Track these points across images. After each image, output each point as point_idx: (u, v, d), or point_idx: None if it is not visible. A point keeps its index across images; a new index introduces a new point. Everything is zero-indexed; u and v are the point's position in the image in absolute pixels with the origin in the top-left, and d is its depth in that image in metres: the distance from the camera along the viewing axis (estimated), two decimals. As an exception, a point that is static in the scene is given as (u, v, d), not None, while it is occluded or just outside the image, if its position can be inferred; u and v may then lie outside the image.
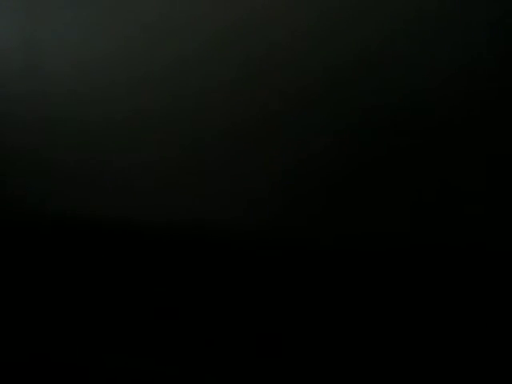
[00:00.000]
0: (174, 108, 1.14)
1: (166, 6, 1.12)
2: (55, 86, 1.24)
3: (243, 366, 1.15)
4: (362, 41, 1.00)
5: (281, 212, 1.09)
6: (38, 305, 1.32)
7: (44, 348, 1.29)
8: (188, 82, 1.12)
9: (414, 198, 1.00)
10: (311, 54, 1.03)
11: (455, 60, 0.95)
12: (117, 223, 1.23)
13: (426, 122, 0.98)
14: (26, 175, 1.29)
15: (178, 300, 1.20)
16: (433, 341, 1.02)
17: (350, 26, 1.00)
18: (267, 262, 1.11)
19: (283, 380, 1.12)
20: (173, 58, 1.13)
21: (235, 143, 1.11)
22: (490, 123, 0.94)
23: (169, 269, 1.20)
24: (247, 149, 1.10)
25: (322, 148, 1.04)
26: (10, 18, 1.26)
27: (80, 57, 1.21)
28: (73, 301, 1.28)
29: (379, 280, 1.03)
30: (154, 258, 1.21)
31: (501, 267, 0.96)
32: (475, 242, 0.97)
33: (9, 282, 1.34)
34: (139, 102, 1.17)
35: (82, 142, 1.23)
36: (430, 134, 0.98)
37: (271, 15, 1.05)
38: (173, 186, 1.17)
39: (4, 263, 1.34)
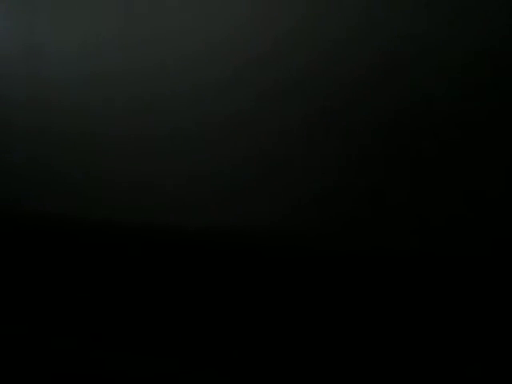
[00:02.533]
0: (175, 112, 1.14)
1: (169, 8, 1.12)
2: (55, 91, 1.23)
3: (243, 367, 1.15)
4: (371, 47, 1.00)
5: (282, 216, 1.09)
6: (36, 304, 1.31)
7: (43, 347, 1.29)
8: (189, 87, 1.12)
9: (420, 202, 1.01)
10: (320, 59, 1.03)
11: (461, 65, 0.96)
12: (116, 225, 1.23)
13: (432, 126, 0.99)
14: (26, 179, 1.29)
15: (178, 301, 1.20)
16: (431, 343, 1.03)
17: (358, 33, 1.00)
18: (267, 264, 1.12)
19: (284, 380, 1.12)
20: (175, 65, 1.12)
21: (236, 145, 1.11)
22: (497, 128, 0.95)
23: (168, 270, 1.20)
24: (250, 151, 1.10)
25: (329, 153, 1.05)
26: (10, 21, 1.25)
27: (81, 61, 1.21)
28: (72, 301, 1.28)
29: (381, 284, 1.04)
30: (153, 259, 1.21)
31: (498, 273, 0.98)
32: (473, 247, 0.98)
33: (7, 282, 1.33)
34: (140, 107, 1.17)
35: (82, 146, 1.23)
36: (436, 137, 0.99)
37: (276, 21, 1.04)
38: (172, 188, 1.17)
39: (3, 263, 1.33)
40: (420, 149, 0.99)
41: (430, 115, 0.98)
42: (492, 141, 0.96)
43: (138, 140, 1.18)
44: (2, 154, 1.30)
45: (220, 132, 1.11)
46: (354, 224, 1.04)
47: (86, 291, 1.27)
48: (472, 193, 0.97)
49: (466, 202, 0.98)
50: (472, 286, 0.99)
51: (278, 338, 1.13)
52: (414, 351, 1.04)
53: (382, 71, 0.99)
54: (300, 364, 1.11)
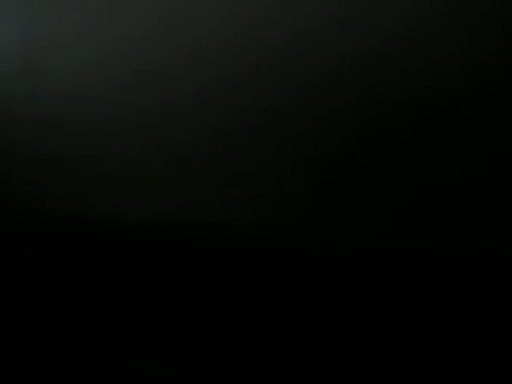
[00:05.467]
0: (173, 107, 1.14)
1: (165, 5, 1.12)
2: (55, 86, 1.24)
3: (243, 367, 1.15)
4: (363, 39, 1.00)
5: (277, 213, 1.09)
6: (37, 305, 1.32)
7: (42, 349, 1.29)
8: (188, 82, 1.12)
9: (410, 198, 1.00)
10: (312, 52, 1.03)
11: (456, 58, 0.95)
12: (117, 223, 1.23)
13: (426, 120, 0.98)
14: (25, 175, 1.29)
15: (178, 301, 1.20)
16: (430, 341, 1.02)
17: (350, 24, 1.00)
18: (265, 262, 1.11)
19: (284, 381, 1.12)
20: (172, 58, 1.13)
21: (234, 143, 1.11)
22: (492, 122, 0.94)
23: (168, 270, 1.20)
24: (246, 149, 1.10)
25: (319, 147, 1.05)
26: (9, 17, 1.26)
27: (79, 56, 1.21)
28: (72, 301, 1.29)
29: (375, 280, 1.03)
30: (153, 258, 1.21)
31: (497, 268, 0.96)
32: (471, 243, 0.97)
33: (9, 282, 1.34)
34: (138, 102, 1.17)
35: (82, 141, 1.24)
36: (430, 133, 0.98)
37: (271, 14, 1.05)
38: (172, 186, 1.17)
39: (4, 263, 1.34)
40: (405, 140, 0.99)
41: (416, 108, 0.98)
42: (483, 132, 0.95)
43: (140, 133, 1.19)
44: (1, 149, 1.31)
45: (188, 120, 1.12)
46: (336, 217, 1.04)
47: (75, 291, 1.28)
48: (464, 188, 0.97)
49: (458, 199, 0.97)
50: (464, 281, 0.98)
51: (271, 336, 1.12)
52: (398, 342, 1.03)
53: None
54: (288, 359, 1.10)
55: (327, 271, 1.07)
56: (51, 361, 1.28)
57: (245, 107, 1.08)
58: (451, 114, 0.96)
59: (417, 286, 1.01)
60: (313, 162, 1.05)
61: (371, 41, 0.99)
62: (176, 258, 1.19)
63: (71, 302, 1.29)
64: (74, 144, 1.24)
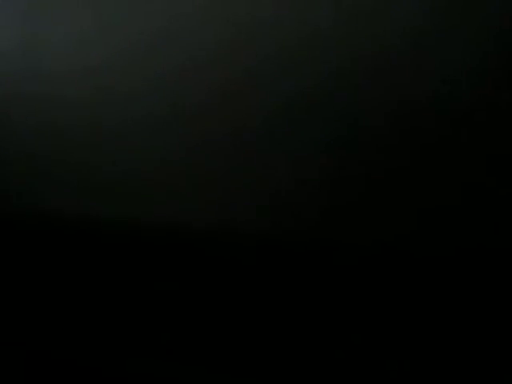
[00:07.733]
0: (176, 111, 1.14)
1: (168, 8, 1.12)
2: (55, 88, 1.23)
3: (243, 367, 1.15)
4: (363, 46, 1.00)
5: (282, 216, 1.09)
6: (35, 305, 1.31)
7: (42, 349, 1.29)
8: (192, 85, 1.12)
9: (415, 203, 1.00)
10: (313, 59, 1.03)
11: (458, 65, 0.96)
12: (116, 224, 1.23)
13: (428, 126, 0.98)
14: (25, 176, 1.29)
15: (177, 302, 1.20)
16: (431, 343, 1.03)
17: (349, 31, 1.01)
18: (268, 264, 1.12)
19: (284, 381, 1.12)
20: (176, 61, 1.13)
21: (236, 147, 1.11)
22: (494, 129, 0.95)
23: (169, 270, 1.20)
24: (249, 154, 1.10)
25: (323, 152, 1.05)
26: (10, 18, 1.25)
27: (80, 58, 1.21)
28: (72, 301, 1.28)
29: (380, 282, 1.04)
30: (154, 259, 1.21)
31: (500, 270, 0.97)
32: (474, 245, 0.98)
33: (8, 282, 1.34)
34: (140, 105, 1.17)
35: (82, 143, 1.23)
36: (431, 138, 0.99)
37: (272, 21, 1.05)
38: (174, 188, 1.17)
39: (2, 263, 1.34)
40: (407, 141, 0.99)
41: (423, 111, 0.98)
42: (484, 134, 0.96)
43: (139, 133, 1.18)
44: (1, 150, 1.30)
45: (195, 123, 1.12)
46: (338, 220, 1.04)
47: (74, 291, 1.27)
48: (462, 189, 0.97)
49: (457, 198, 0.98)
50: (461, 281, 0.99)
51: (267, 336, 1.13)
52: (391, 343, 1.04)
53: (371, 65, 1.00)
54: (292, 361, 1.11)
55: (329, 273, 1.07)
56: (51, 361, 1.27)
57: (252, 109, 1.08)
58: (454, 118, 0.97)
59: (417, 288, 1.01)
60: (316, 164, 1.05)
61: (369, 48, 1.00)
62: (178, 259, 1.19)
63: (70, 301, 1.28)
64: (73, 145, 1.24)
